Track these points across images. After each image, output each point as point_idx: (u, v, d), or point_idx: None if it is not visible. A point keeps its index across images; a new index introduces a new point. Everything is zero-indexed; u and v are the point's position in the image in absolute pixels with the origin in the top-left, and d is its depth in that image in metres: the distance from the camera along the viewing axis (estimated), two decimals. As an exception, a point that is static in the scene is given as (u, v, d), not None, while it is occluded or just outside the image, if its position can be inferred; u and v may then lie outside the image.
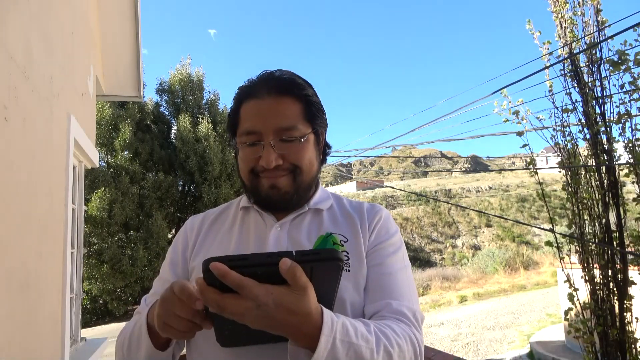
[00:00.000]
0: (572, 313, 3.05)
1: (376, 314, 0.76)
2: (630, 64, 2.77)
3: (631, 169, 2.85)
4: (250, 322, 0.55)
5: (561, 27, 3.33)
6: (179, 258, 0.90)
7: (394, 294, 0.78)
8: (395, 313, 0.75)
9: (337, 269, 0.58)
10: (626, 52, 2.80)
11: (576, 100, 3.18)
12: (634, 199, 2.79)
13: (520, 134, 3.28)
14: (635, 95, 2.82)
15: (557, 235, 3.24)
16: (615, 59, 2.83)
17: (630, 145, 2.87)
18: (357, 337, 0.63)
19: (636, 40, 2.78)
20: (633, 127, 2.87)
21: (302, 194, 0.87)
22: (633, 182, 2.87)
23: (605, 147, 3.05)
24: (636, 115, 2.84)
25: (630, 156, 2.86)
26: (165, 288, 0.82)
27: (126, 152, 12.85)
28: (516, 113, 3.37)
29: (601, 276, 2.96)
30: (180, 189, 14.48)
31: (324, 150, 0.92)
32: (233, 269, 0.52)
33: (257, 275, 0.53)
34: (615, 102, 3.00)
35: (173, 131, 14.47)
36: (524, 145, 3.31)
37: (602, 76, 3.03)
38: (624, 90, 2.88)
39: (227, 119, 0.93)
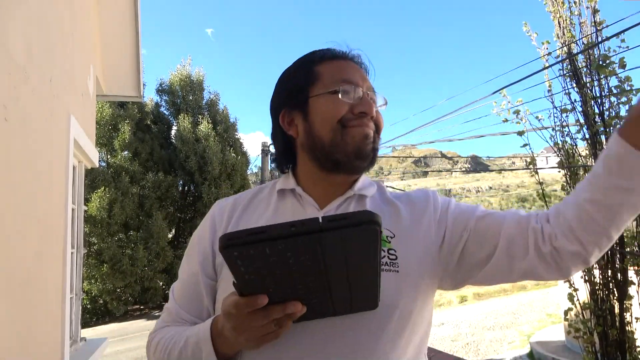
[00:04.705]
0: (572, 313, 3.05)
1: (525, 228, 0.72)
2: (615, 66, 2.81)
3: None
4: None
5: (559, 26, 3.33)
6: (207, 250, 0.81)
7: (507, 213, 0.77)
8: (535, 216, 0.74)
9: (373, 235, 0.49)
10: (609, 55, 2.87)
11: (575, 100, 3.19)
12: None
13: (521, 133, 3.28)
14: (624, 99, 2.86)
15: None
16: (600, 63, 2.88)
17: None
18: None
19: (619, 47, 2.87)
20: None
21: (374, 159, 0.82)
22: None
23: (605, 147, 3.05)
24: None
25: None
26: (195, 282, 0.81)
27: (126, 152, 12.87)
28: (517, 112, 3.38)
29: (601, 276, 2.96)
30: (180, 189, 14.49)
31: None
32: (252, 244, 0.46)
33: (278, 250, 0.47)
34: (609, 103, 3.03)
35: (173, 131, 14.49)
36: (525, 145, 3.31)
37: (600, 76, 3.04)
38: (612, 93, 2.91)
39: (289, 78, 0.85)
